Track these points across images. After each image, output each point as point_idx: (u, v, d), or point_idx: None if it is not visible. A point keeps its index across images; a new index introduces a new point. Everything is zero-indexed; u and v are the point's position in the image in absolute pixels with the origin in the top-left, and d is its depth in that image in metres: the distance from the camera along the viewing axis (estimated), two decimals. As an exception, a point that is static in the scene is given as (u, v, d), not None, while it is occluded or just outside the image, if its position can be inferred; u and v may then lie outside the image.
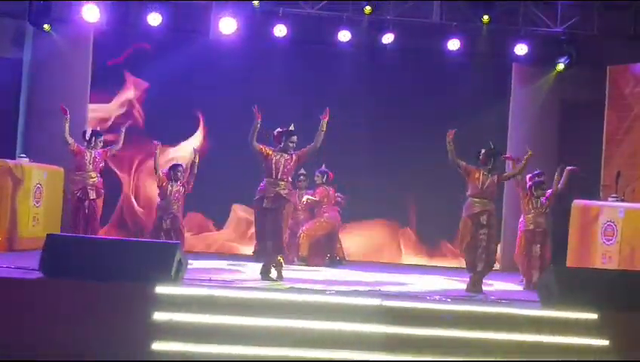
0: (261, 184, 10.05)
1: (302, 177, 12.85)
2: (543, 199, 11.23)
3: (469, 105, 14.06)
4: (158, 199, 11.56)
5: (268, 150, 10.00)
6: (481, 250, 10.03)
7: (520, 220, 11.39)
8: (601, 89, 13.93)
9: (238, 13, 13.41)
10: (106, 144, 11.81)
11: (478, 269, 10.10)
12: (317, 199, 12.83)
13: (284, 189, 9.93)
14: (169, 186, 11.33)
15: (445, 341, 7.86)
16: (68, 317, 7.70)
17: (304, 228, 12.69)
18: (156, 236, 11.22)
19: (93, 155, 11.50)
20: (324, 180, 12.95)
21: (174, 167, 11.50)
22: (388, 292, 9.31)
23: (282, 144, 10.02)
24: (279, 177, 9.91)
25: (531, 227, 11.16)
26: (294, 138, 10.06)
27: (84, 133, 11.79)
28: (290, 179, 10.11)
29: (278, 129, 10.18)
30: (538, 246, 11.12)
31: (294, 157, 10.03)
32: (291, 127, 10.15)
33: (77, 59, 13.59)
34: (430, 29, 13.90)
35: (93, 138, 11.60)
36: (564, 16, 13.86)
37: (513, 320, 8.16)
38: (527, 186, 11.31)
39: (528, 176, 11.51)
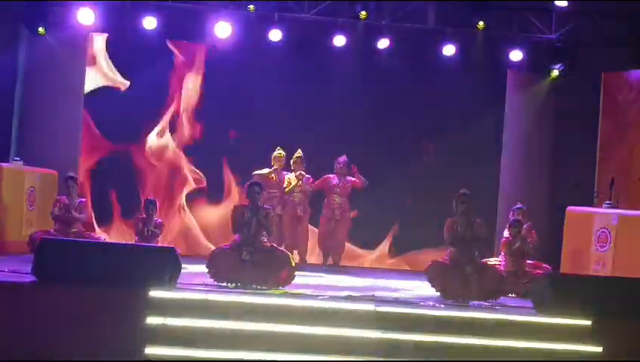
0: (236, 237, 9.82)
1: (298, 159, 12.64)
2: (519, 244, 10.88)
3: (464, 110, 14.07)
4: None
5: (239, 215, 9.75)
6: (479, 292, 9.73)
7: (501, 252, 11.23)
8: (595, 96, 13.95)
9: (234, 18, 13.40)
10: None
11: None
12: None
13: (260, 242, 9.73)
14: (145, 230, 11.03)
15: (439, 347, 7.87)
16: (61, 322, 7.69)
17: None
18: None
19: (74, 204, 11.29)
20: (347, 169, 12.72)
21: (147, 204, 11.19)
22: (382, 297, 9.29)
23: (249, 199, 9.84)
24: (252, 236, 9.69)
25: (513, 269, 10.80)
26: (256, 189, 9.83)
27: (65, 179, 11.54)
28: (263, 235, 9.82)
29: (247, 183, 10.09)
30: (525, 284, 10.56)
31: (261, 216, 9.73)
32: (253, 179, 10.10)
33: (72, 63, 13.54)
34: (425, 34, 13.91)
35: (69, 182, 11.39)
36: (559, 23, 13.88)
37: (507, 327, 8.17)
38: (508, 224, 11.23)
39: (510, 213, 11.56)
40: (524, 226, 11.18)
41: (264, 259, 9.59)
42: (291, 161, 12.70)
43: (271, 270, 9.58)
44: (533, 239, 11.25)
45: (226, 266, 9.53)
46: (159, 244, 11.16)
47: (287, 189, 12.56)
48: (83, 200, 11.53)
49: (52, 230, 11.22)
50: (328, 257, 12.85)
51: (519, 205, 11.65)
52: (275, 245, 10.08)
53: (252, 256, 9.53)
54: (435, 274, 9.87)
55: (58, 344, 7.60)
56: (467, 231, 9.85)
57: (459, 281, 9.69)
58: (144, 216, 11.18)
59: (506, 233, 11.20)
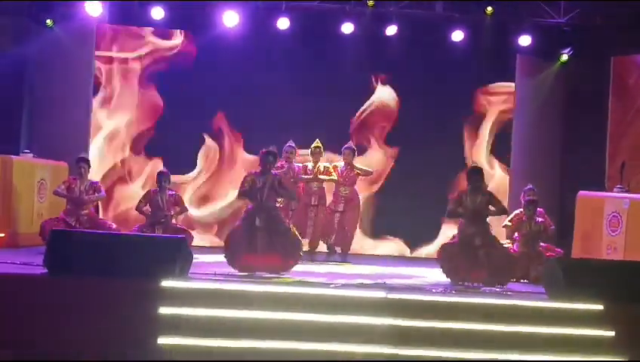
0: (249, 206, 9.93)
1: (316, 150, 12.30)
2: (537, 220, 10.89)
3: (473, 96, 14.03)
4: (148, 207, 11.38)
5: (250, 182, 9.83)
6: (488, 270, 9.74)
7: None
8: (605, 80, 13.90)
9: (241, 7, 13.39)
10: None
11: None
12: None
13: (274, 210, 9.88)
14: (158, 198, 11.25)
15: (451, 333, 7.86)
16: (73, 313, 7.71)
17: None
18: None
19: (86, 186, 11.37)
20: (353, 158, 12.42)
21: (160, 177, 11.34)
22: (393, 284, 9.30)
23: (261, 166, 9.90)
24: (264, 202, 9.77)
25: (525, 250, 10.81)
26: (270, 158, 9.89)
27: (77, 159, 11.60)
28: (275, 202, 10.01)
29: (263, 149, 10.01)
30: (538, 267, 10.47)
31: (275, 183, 9.83)
32: (271, 148, 10.01)
33: (80, 55, 13.58)
34: (433, 20, 13.87)
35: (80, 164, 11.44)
36: (568, 7, 13.81)
37: (519, 312, 8.15)
38: (522, 205, 11.18)
39: (522, 194, 11.49)
40: (538, 210, 11.16)
41: (279, 242, 9.69)
42: (309, 151, 12.52)
43: (282, 255, 9.68)
44: (549, 222, 11.20)
45: (241, 252, 9.62)
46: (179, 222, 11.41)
47: (310, 177, 12.31)
48: (96, 181, 11.59)
49: (62, 212, 11.30)
50: (332, 248, 12.62)
51: (530, 186, 11.58)
52: (292, 227, 10.05)
53: (266, 223, 9.63)
54: (444, 256, 10.02)
55: (70, 335, 7.62)
56: (475, 203, 9.88)
57: (468, 261, 9.77)
58: (157, 188, 11.33)
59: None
